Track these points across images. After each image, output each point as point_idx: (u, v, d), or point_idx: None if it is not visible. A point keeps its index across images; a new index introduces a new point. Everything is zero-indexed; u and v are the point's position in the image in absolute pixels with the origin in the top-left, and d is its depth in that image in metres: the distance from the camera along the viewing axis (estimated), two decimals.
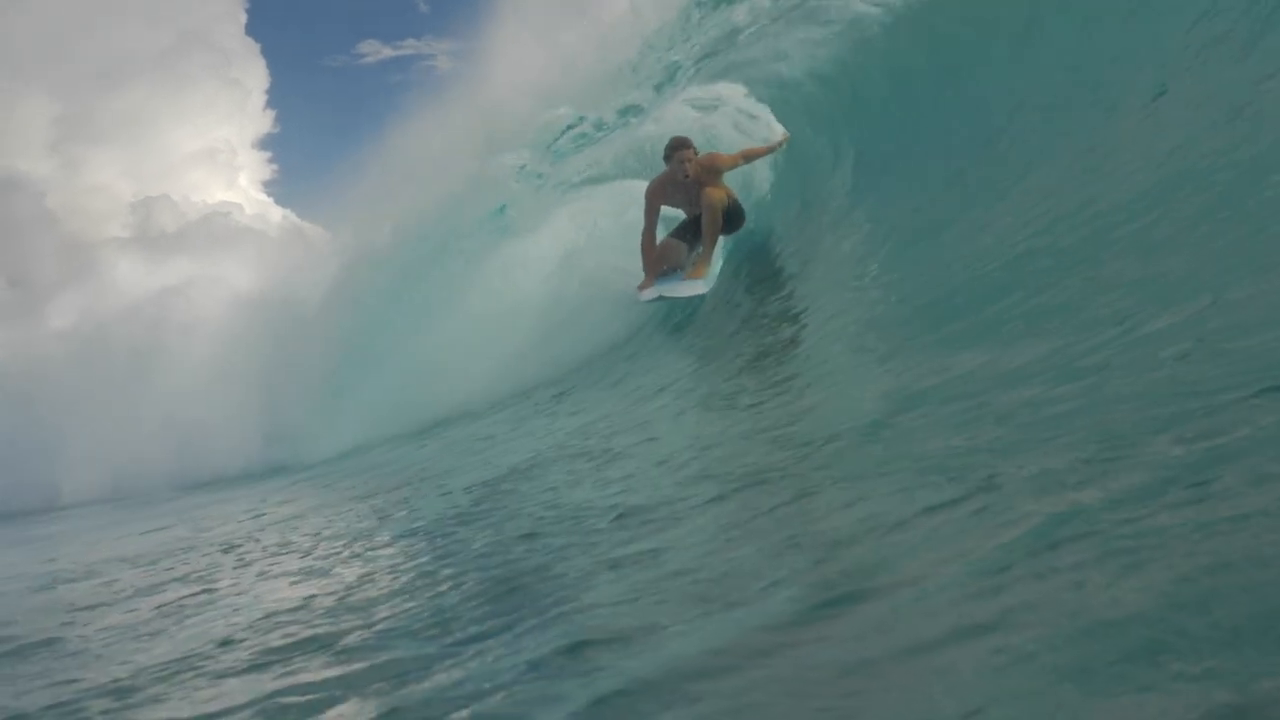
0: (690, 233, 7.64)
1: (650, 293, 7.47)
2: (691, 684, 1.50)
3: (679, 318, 7.38)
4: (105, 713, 2.21)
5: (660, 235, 7.71)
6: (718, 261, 7.58)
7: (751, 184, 8.34)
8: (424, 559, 3.09)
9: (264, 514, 5.95)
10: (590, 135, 11.46)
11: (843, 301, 4.86)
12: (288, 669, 2.21)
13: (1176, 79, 4.48)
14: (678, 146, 7.36)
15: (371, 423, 8.94)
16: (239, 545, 4.57)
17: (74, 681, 2.54)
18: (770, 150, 8.00)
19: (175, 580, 3.90)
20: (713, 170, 7.39)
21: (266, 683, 2.14)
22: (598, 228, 8.74)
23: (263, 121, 34.11)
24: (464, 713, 1.66)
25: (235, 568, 3.91)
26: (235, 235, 12.80)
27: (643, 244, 7.64)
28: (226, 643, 2.59)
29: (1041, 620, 1.34)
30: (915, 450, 2.31)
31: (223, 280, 12.98)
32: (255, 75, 32.75)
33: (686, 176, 7.33)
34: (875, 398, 2.99)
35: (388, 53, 46.45)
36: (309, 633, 2.47)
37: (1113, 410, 1.99)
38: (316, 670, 2.13)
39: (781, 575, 1.86)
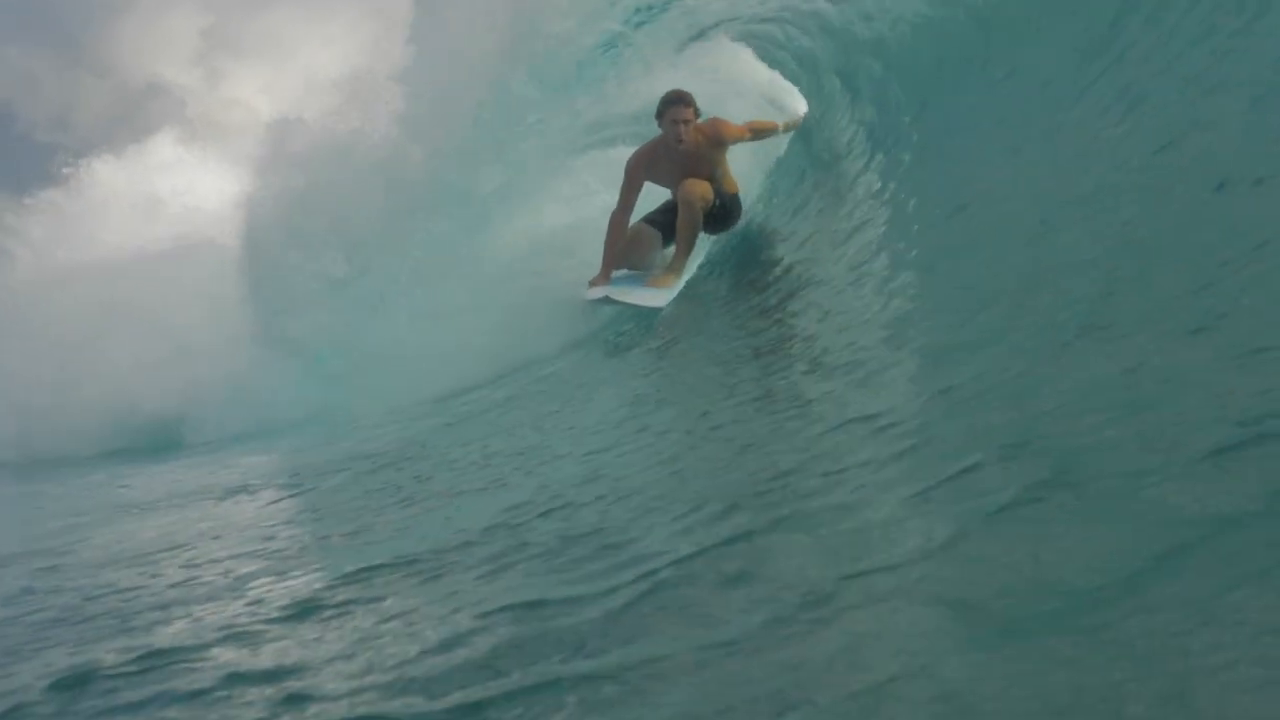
0: (670, 221, 6.16)
1: (598, 292, 6.08)
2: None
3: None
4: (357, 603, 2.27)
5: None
6: (691, 268, 6.23)
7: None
8: (625, 469, 3.03)
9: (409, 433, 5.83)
10: None
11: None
12: (554, 570, 2.22)
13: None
14: (673, 102, 5.87)
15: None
16: (411, 460, 4.55)
17: (317, 578, 2.64)
18: (784, 129, 6.66)
19: (369, 492, 3.96)
20: (716, 141, 5.98)
21: (537, 585, 2.17)
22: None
23: (404, 55, 34.59)
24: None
25: (418, 481, 3.94)
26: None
27: (610, 226, 6.16)
28: (459, 546, 2.62)
29: None
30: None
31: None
32: (400, 7, 33.17)
33: (680, 143, 5.86)
34: None
35: None
36: (556, 535, 2.47)
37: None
38: (582, 573, 2.13)
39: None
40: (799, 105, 6.90)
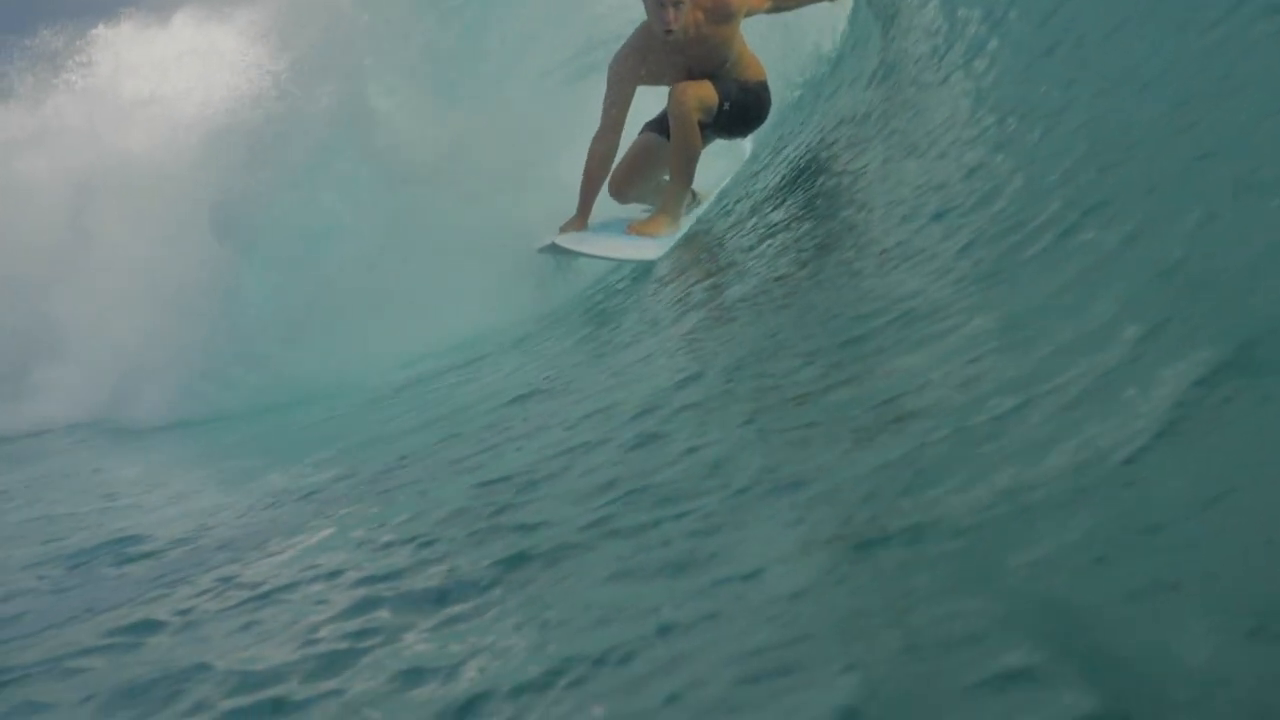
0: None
1: (567, 240, 4.63)
2: None
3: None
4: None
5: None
6: (700, 204, 4.92)
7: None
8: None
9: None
10: None
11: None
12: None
13: None
14: None
15: None
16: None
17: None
18: None
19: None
20: (720, 15, 4.56)
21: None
22: None
23: None
24: None
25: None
26: None
27: (590, 155, 4.73)
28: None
29: None
30: None
31: None
32: None
33: (669, 32, 4.52)
34: None
35: None
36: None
37: None
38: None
39: None
40: None
